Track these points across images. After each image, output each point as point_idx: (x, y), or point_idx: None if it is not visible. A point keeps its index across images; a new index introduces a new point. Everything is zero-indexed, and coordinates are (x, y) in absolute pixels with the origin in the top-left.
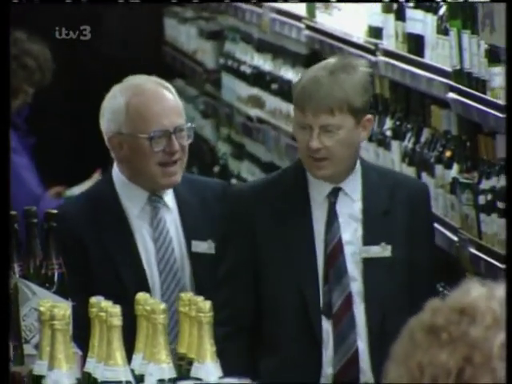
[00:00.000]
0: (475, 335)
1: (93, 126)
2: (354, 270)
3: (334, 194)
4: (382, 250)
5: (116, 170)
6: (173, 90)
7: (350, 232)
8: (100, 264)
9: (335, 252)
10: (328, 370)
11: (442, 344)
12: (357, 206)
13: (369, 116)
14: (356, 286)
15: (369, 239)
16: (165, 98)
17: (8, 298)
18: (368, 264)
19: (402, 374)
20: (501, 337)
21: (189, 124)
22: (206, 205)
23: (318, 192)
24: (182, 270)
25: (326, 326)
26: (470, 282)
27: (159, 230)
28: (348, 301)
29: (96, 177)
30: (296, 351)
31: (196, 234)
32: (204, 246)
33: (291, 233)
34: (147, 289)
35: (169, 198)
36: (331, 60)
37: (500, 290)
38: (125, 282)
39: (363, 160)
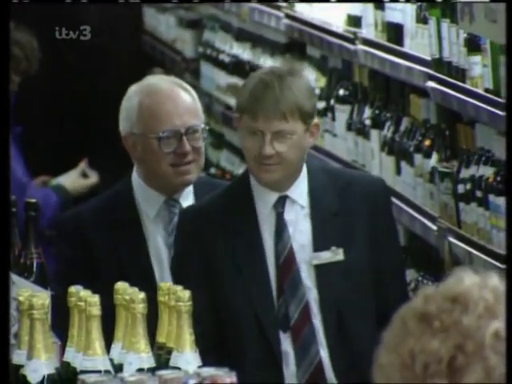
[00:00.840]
0: (467, 324)
1: (79, 115)
2: (307, 278)
3: (281, 202)
4: (333, 255)
5: (135, 173)
6: (191, 90)
7: (302, 240)
8: (109, 267)
9: (288, 262)
10: None
11: (434, 332)
12: (305, 212)
13: (316, 121)
14: (312, 295)
15: (318, 245)
16: (179, 97)
17: (8, 295)
18: (321, 270)
19: (392, 360)
20: (493, 326)
21: (202, 125)
22: None
23: (264, 203)
24: None
25: (285, 340)
26: (463, 271)
27: (173, 236)
28: (306, 311)
29: (82, 166)
30: (255, 370)
31: None
32: None
33: (239, 248)
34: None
35: (188, 203)
36: (274, 66)
37: (493, 279)
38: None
39: (311, 163)
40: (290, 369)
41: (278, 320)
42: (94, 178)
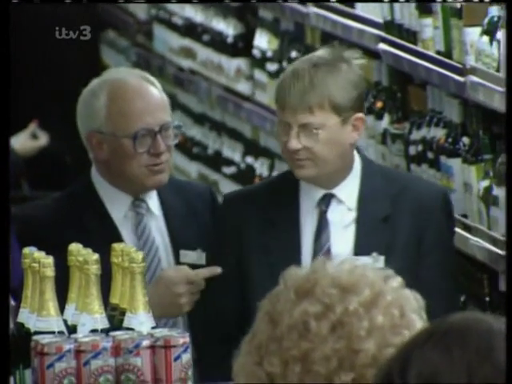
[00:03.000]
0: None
1: (27, 78)
2: None
3: (326, 200)
4: (373, 261)
5: (95, 173)
6: (157, 83)
7: (343, 243)
8: None
9: None
10: None
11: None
12: (352, 215)
13: (359, 115)
14: None
15: (360, 249)
16: (149, 93)
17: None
18: None
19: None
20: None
21: (176, 122)
22: (194, 211)
23: (309, 198)
24: None
25: None
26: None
27: (144, 238)
28: None
29: (32, 127)
30: None
31: (184, 243)
32: (193, 256)
33: (277, 242)
34: None
35: (153, 202)
36: (320, 51)
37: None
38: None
39: (368, 163)
40: None
41: None
42: (43, 139)
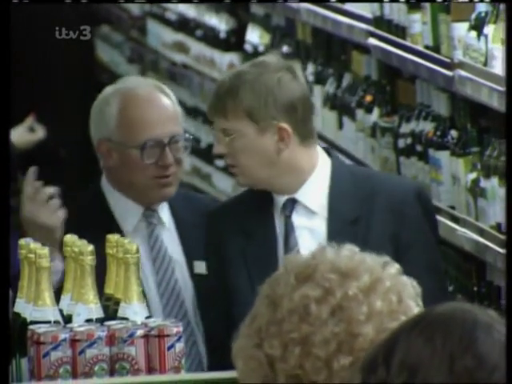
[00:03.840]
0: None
1: (24, 71)
2: None
3: (289, 205)
4: None
5: (105, 181)
6: (171, 94)
7: (312, 246)
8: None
9: None
10: None
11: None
12: (318, 218)
13: (282, 125)
14: None
15: None
16: (161, 103)
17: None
18: None
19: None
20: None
21: (187, 135)
22: (203, 222)
23: (276, 205)
24: (185, 293)
25: None
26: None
27: (156, 248)
28: None
29: (29, 121)
30: None
31: (197, 254)
32: (201, 267)
33: (254, 253)
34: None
35: (164, 214)
36: (258, 59)
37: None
38: None
39: (338, 165)
40: None
41: None
42: (40, 132)
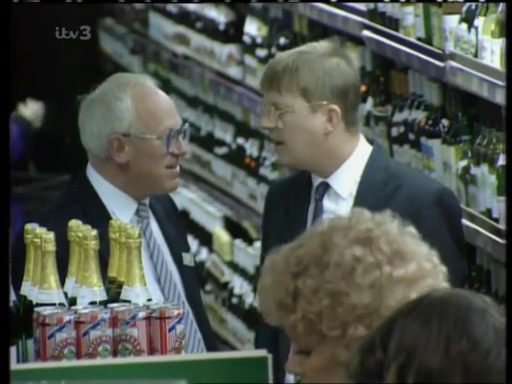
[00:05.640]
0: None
1: (26, 61)
2: None
3: (321, 189)
4: None
5: (98, 177)
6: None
7: None
8: None
9: None
10: None
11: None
12: (345, 205)
13: (332, 106)
14: None
15: None
16: (165, 95)
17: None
18: None
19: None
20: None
21: (186, 125)
22: (169, 216)
23: (313, 187)
24: (178, 285)
25: None
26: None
27: (152, 242)
28: None
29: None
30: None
31: (179, 246)
32: (187, 259)
33: (288, 229)
34: None
35: (148, 207)
36: (312, 43)
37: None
38: None
39: (375, 157)
40: None
41: None
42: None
